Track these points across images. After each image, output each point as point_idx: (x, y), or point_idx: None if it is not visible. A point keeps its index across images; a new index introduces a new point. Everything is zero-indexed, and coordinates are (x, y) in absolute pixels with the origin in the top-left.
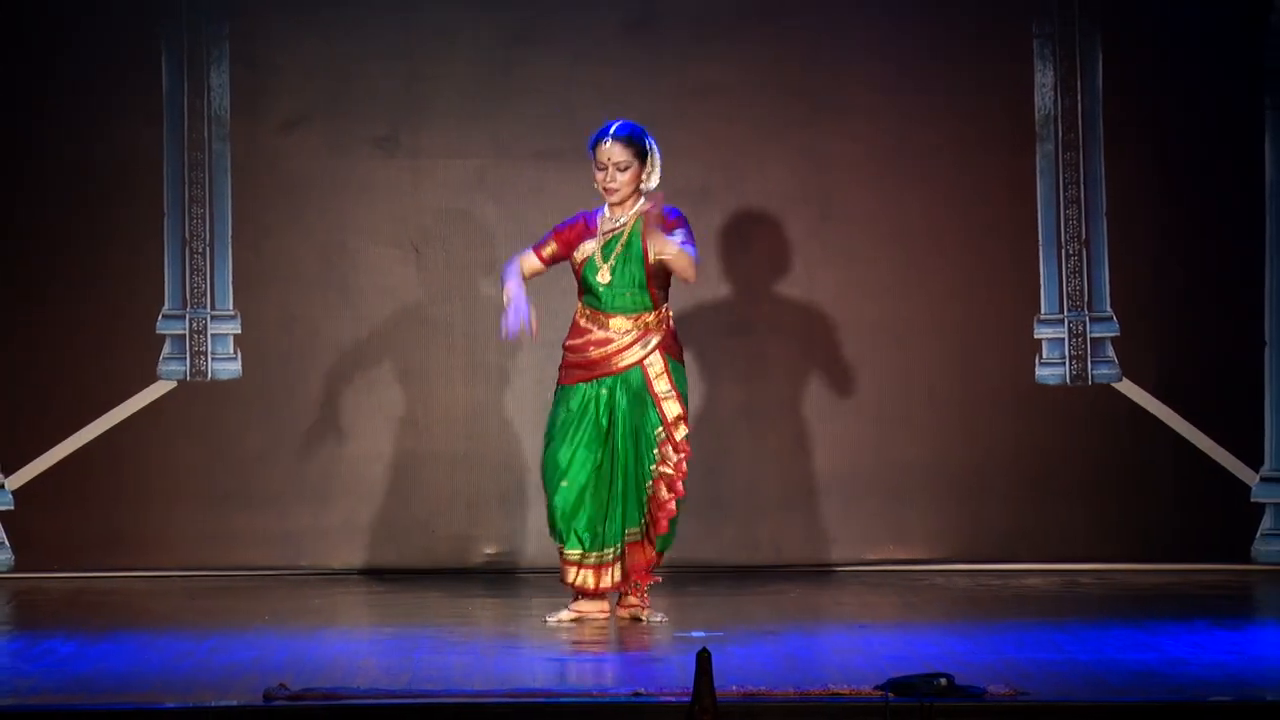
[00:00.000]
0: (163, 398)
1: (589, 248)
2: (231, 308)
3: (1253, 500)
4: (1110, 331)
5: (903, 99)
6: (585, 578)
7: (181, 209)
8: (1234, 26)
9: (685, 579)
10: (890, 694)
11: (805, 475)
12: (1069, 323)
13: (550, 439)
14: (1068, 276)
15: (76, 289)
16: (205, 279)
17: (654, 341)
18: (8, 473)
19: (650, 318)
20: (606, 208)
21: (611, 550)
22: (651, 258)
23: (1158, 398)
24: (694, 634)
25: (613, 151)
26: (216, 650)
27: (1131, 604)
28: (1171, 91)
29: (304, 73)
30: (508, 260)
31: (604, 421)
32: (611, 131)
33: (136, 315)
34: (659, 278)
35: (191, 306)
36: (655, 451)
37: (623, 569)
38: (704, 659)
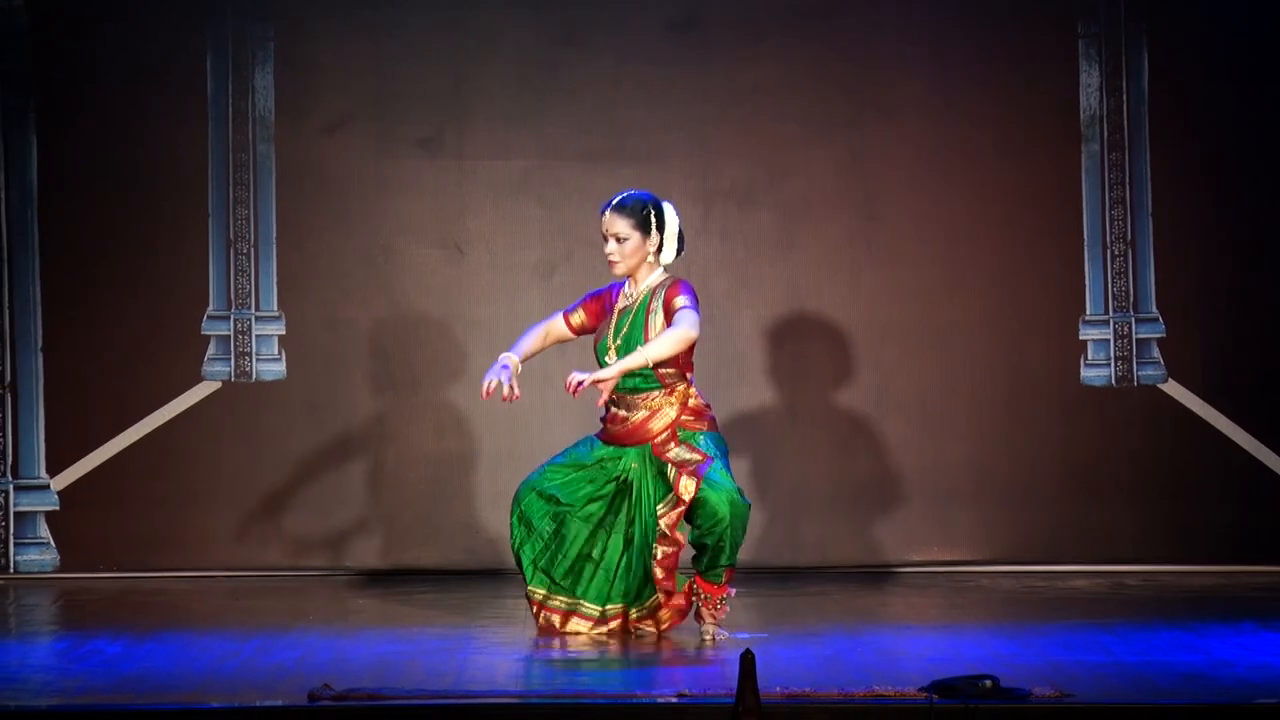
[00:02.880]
0: (207, 399)
1: (605, 325)
2: (276, 308)
3: None
4: (1156, 332)
5: (948, 99)
6: (552, 620)
7: (226, 210)
8: (1278, 25)
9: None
10: (935, 696)
11: (850, 476)
12: (1114, 324)
13: (546, 467)
14: (1113, 277)
15: (121, 290)
16: (250, 280)
17: (668, 418)
18: (53, 473)
19: (656, 397)
20: (629, 281)
21: (599, 610)
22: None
23: (1203, 399)
24: (738, 635)
25: (612, 223)
26: (261, 650)
27: (1178, 606)
28: (1217, 91)
29: (348, 74)
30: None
31: (608, 492)
32: (614, 202)
33: (181, 316)
34: (667, 360)
35: (236, 307)
36: (659, 523)
37: (619, 627)
38: (748, 660)
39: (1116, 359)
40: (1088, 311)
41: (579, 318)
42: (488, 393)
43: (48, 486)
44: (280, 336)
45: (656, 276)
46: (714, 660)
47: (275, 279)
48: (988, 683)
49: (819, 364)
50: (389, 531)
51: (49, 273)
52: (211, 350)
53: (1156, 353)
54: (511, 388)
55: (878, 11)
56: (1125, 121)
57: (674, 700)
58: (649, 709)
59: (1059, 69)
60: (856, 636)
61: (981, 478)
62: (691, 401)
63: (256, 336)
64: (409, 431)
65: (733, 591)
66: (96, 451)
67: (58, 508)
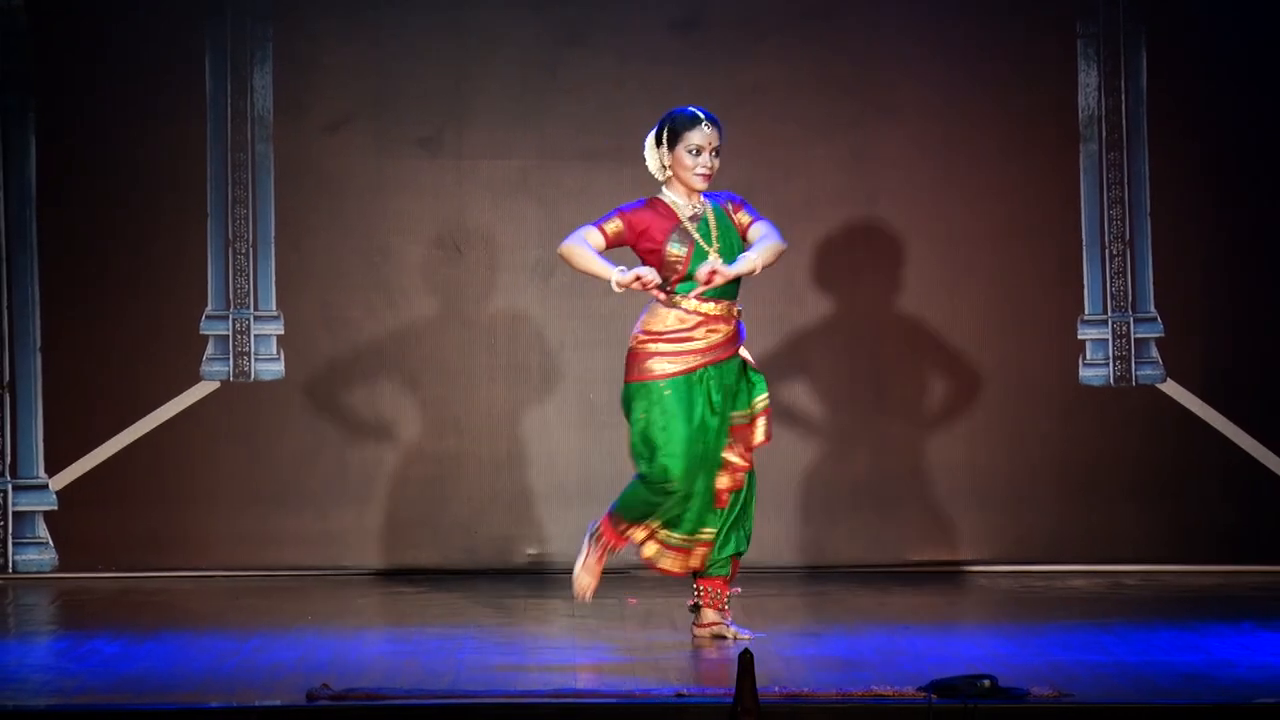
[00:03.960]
0: (206, 398)
1: (683, 236)
2: (274, 308)
3: None
4: (1154, 332)
5: (948, 99)
6: (671, 560)
7: (225, 209)
8: (1278, 25)
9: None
10: (933, 695)
11: (848, 476)
12: (1113, 323)
13: (661, 446)
14: (1112, 277)
15: (120, 290)
16: (248, 279)
17: (743, 330)
18: (52, 473)
19: (737, 307)
20: (672, 194)
21: (688, 538)
22: (755, 266)
23: (1202, 399)
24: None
25: (713, 136)
26: (260, 650)
27: (1177, 605)
28: (1215, 91)
29: (348, 73)
30: (570, 241)
31: (709, 415)
32: (705, 115)
33: (180, 316)
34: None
35: (234, 307)
36: (731, 438)
37: (700, 560)
38: (746, 660)
39: (1115, 359)
40: (1086, 311)
41: (615, 226)
42: (643, 284)
43: (46, 486)
44: (279, 336)
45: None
46: (712, 660)
47: (274, 278)
48: (986, 682)
49: (818, 363)
50: (388, 531)
51: (47, 272)
52: (210, 350)
53: (1155, 353)
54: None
55: (878, 11)
56: (1124, 121)
57: (672, 700)
58: (648, 708)
59: (1058, 69)
60: (855, 636)
61: (980, 477)
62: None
63: (255, 336)
64: (408, 431)
65: (738, 589)
66: (95, 451)
67: (56, 507)
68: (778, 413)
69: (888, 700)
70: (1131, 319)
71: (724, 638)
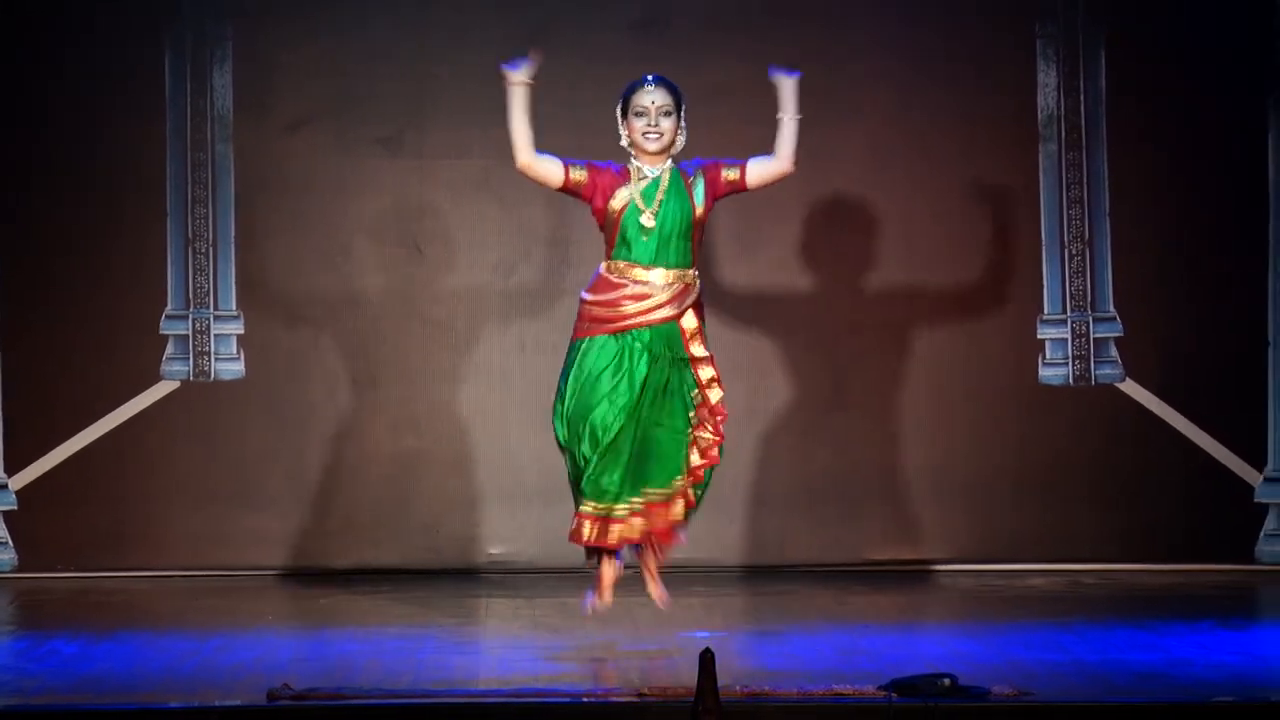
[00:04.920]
0: (166, 398)
1: (625, 194)
2: (235, 308)
3: (1256, 501)
4: (1113, 332)
5: (907, 99)
6: (598, 531)
7: (185, 209)
8: (1238, 26)
9: (689, 579)
10: (894, 694)
11: (810, 475)
12: (1072, 323)
13: (576, 395)
14: (1071, 276)
15: (79, 289)
16: (208, 279)
17: (690, 299)
18: (11, 473)
19: (689, 274)
20: (639, 161)
21: (626, 507)
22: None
23: (1161, 398)
24: (697, 634)
25: (656, 94)
26: (220, 650)
27: (1135, 604)
28: (1174, 91)
29: (308, 72)
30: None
31: (636, 375)
32: (655, 78)
33: (139, 315)
34: (700, 230)
35: (194, 306)
36: (691, 414)
37: (642, 528)
38: (707, 659)
39: (1074, 358)
40: (1045, 311)
41: (579, 174)
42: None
43: (6, 486)
44: (239, 336)
45: (667, 162)
46: (673, 659)
47: (234, 278)
48: (946, 681)
49: (778, 362)
50: (349, 531)
51: (6, 272)
52: (170, 349)
53: (1114, 352)
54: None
55: (838, 11)
56: (1083, 121)
57: (634, 699)
58: (609, 708)
59: (1017, 69)
60: (816, 635)
61: (940, 476)
62: (699, 284)
63: (215, 336)
64: (368, 431)
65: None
66: (55, 451)
67: (16, 507)
68: (739, 412)
69: (848, 699)
70: (1090, 319)
71: (645, 583)
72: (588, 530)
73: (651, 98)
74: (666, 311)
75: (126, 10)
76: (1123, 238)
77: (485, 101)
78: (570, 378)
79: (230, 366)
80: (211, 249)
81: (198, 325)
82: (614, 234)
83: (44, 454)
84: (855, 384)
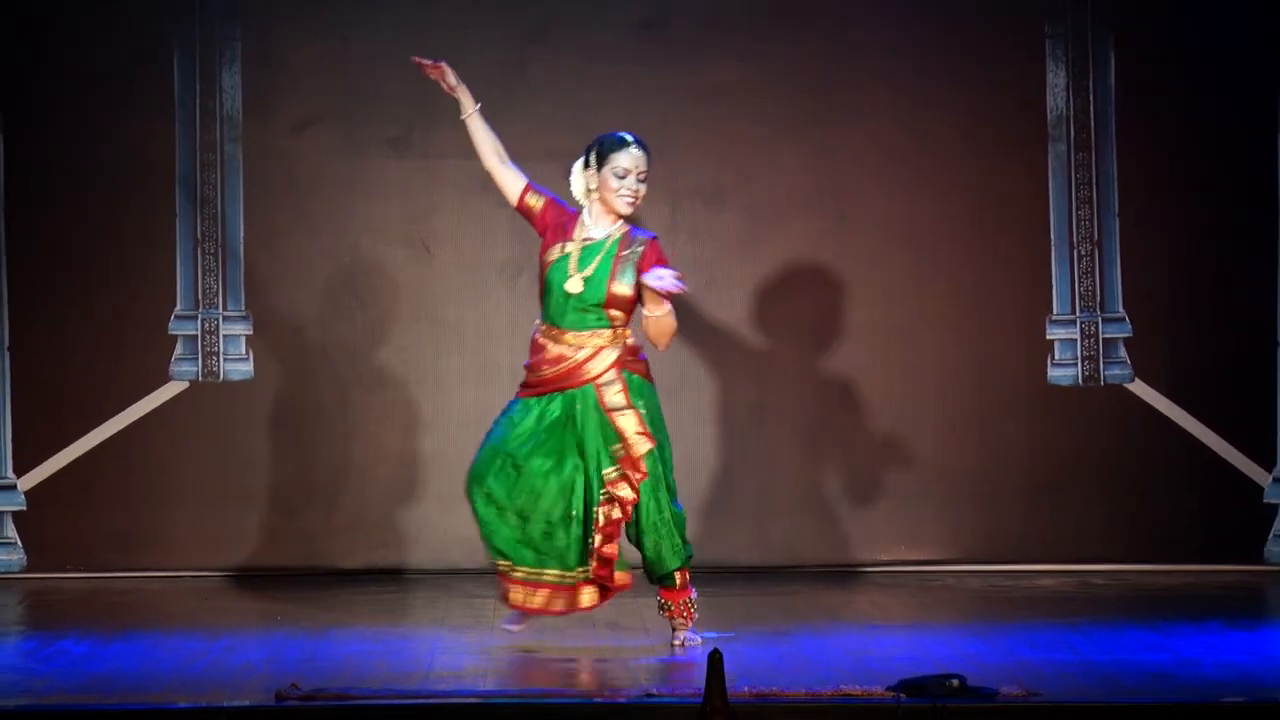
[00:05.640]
0: (175, 398)
1: (558, 249)
2: (243, 308)
3: (1265, 501)
4: (1122, 332)
5: (916, 99)
6: (529, 597)
7: (193, 210)
8: (1246, 26)
9: (697, 580)
10: (902, 695)
11: (818, 476)
12: (1081, 323)
13: (491, 440)
14: (1080, 277)
15: (89, 290)
16: (217, 280)
17: (610, 358)
18: (20, 473)
19: (605, 335)
20: (590, 216)
21: (559, 575)
22: (646, 308)
23: (1170, 398)
24: (706, 635)
25: (639, 158)
26: (229, 650)
27: (1144, 605)
28: (1184, 91)
29: (316, 73)
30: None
31: (554, 439)
32: (634, 140)
33: (148, 316)
34: (624, 302)
35: (203, 307)
36: (608, 470)
37: (550, 599)
38: (716, 660)
39: (1083, 359)
40: (1054, 311)
41: (535, 200)
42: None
43: (15, 486)
44: (248, 336)
45: (619, 224)
46: (681, 660)
47: (243, 279)
48: (955, 682)
49: (786, 364)
50: (357, 531)
51: (16, 273)
52: (179, 350)
53: (1123, 352)
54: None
55: (845, 11)
56: (1092, 121)
57: (642, 700)
58: (617, 708)
59: (1026, 69)
60: (824, 636)
61: (948, 477)
62: (629, 341)
63: (224, 336)
64: (377, 431)
65: (694, 593)
66: (64, 451)
67: (25, 508)
68: (747, 411)
69: (856, 700)
70: (1099, 319)
71: (680, 644)
72: (521, 596)
73: (635, 161)
74: (582, 375)
75: (135, 11)
76: (1132, 238)
77: (492, 101)
78: (491, 434)
79: (239, 367)
80: (220, 250)
81: (206, 326)
82: (541, 286)
83: (53, 454)
84: (863, 385)
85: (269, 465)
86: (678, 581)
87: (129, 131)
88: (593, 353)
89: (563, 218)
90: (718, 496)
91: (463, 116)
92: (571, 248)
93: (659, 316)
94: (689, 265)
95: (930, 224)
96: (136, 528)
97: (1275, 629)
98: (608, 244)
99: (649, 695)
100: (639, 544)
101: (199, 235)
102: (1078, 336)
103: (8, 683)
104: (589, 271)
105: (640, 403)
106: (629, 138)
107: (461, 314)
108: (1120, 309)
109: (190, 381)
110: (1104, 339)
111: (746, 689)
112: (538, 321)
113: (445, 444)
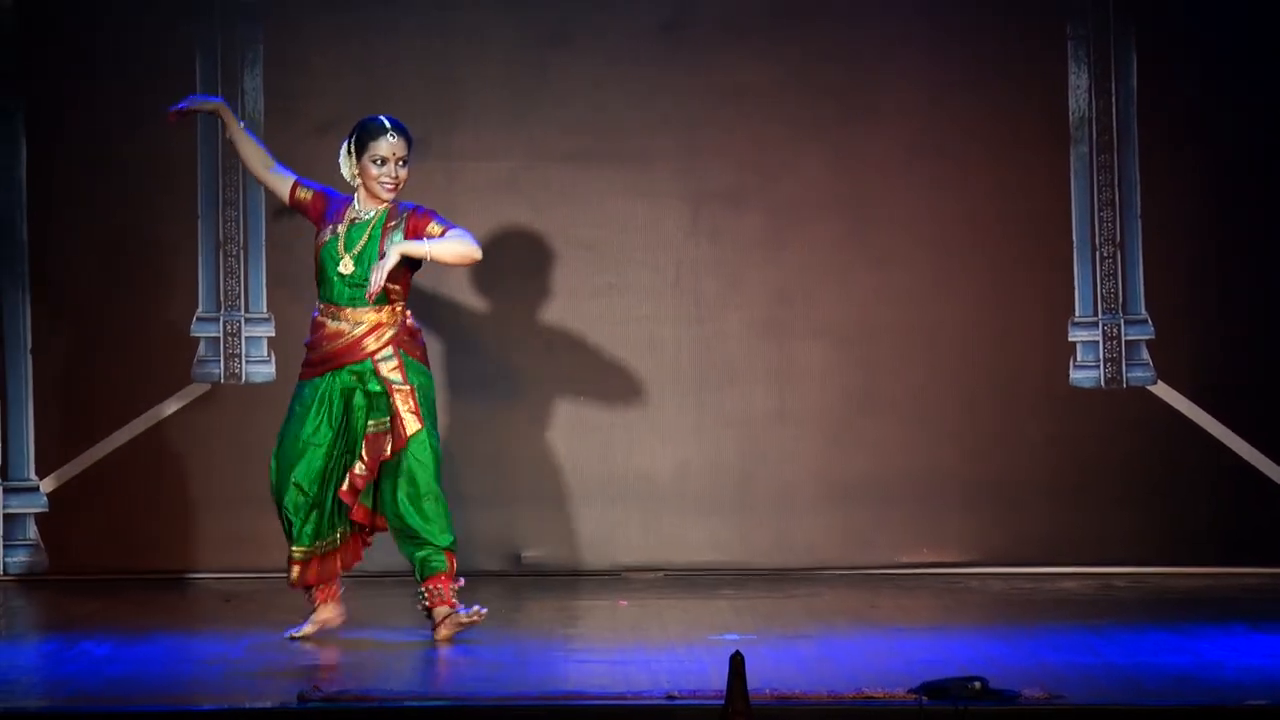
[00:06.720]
0: (197, 400)
1: (329, 232)
2: (265, 310)
3: None
4: (1145, 334)
5: (938, 100)
6: (308, 573)
7: (215, 211)
8: (1269, 26)
9: (719, 581)
10: (924, 698)
11: (839, 478)
12: (1103, 325)
13: (282, 436)
14: (1102, 279)
15: (111, 292)
16: (239, 282)
17: (388, 335)
18: (43, 475)
19: (384, 311)
20: (359, 200)
21: (325, 543)
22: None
23: (1193, 400)
24: (727, 636)
25: (398, 146)
26: (251, 652)
27: (1167, 607)
28: (1206, 93)
29: (337, 75)
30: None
31: (335, 415)
32: (391, 125)
33: (170, 318)
34: (397, 277)
35: (225, 309)
36: (362, 445)
37: (333, 564)
38: (737, 661)
39: (1105, 361)
40: (1077, 313)
41: (305, 193)
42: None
43: (37, 488)
44: (270, 338)
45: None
46: (703, 661)
47: (265, 280)
48: (977, 684)
49: (808, 365)
50: (379, 534)
51: (37, 274)
52: (201, 352)
53: (1145, 354)
54: (193, 112)
55: (865, 12)
56: (1114, 123)
57: (663, 702)
58: (638, 710)
59: (1047, 70)
60: (846, 638)
61: (970, 479)
62: (408, 321)
63: (246, 338)
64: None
65: (462, 581)
66: (86, 453)
67: (47, 510)
68: (768, 413)
69: (879, 702)
70: (1122, 321)
71: (463, 624)
72: (297, 573)
73: (392, 148)
74: (360, 350)
75: (158, 14)
76: (1154, 240)
77: (513, 103)
78: (285, 421)
79: (261, 369)
80: (242, 251)
81: (229, 328)
82: (316, 270)
83: (75, 456)
84: (885, 386)
85: None
86: (447, 562)
87: (151, 133)
88: (369, 329)
89: (335, 205)
90: (739, 498)
91: (227, 135)
92: (340, 229)
93: (436, 258)
94: (711, 266)
95: (952, 226)
96: (158, 529)
97: None
98: (373, 221)
99: (671, 696)
100: (406, 519)
101: (221, 237)
102: (1100, 339)
103: (29, 684)
104: (357, 250)
105: (416, 383)
106: (387, 123)
107: (480, 316)
108: (1143, 311)
109: (212, 383)
110: (1126, 341)
111: (768, 691)
112: (317, 302)
113: (467, 446)
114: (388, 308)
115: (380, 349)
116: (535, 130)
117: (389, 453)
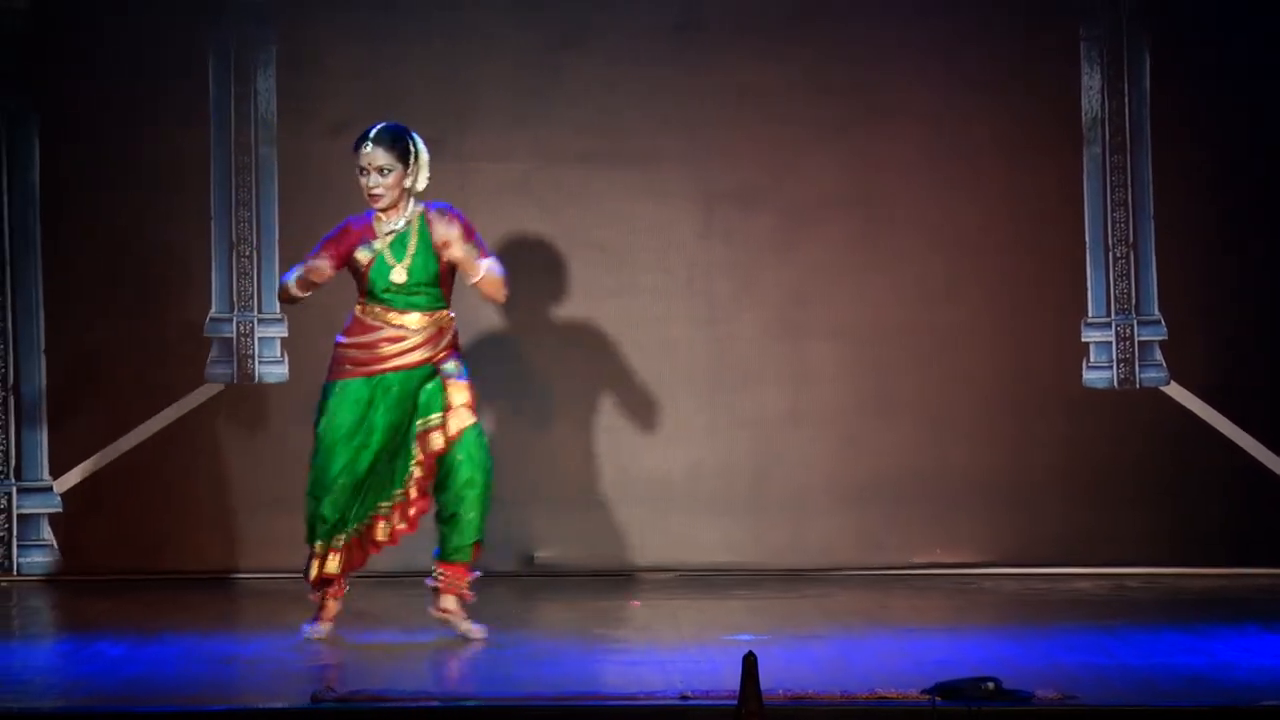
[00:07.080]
0: (210, 401)
1: (368, 252)
2: (278, 311)
3: None
4: (1158, 335)
5: (950, 100)
6: (327, 565)
7: (229, 212)
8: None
9: (732, 582)
10: (938, 698)
11: (853, 479)
12: (1116, 326)
13: (322, 443)
14: (1115, 279)
15: (124, 292)
16: (252, 282)
17: (445, 341)
18: (56, 476)
19: (444, 316)
20: (377, 214)
21: (343, 536)
22: (465, 274)
23: (1206, 401)
24: (740, 637)
25: (374, 156)
26: (264, 652)
27: (1180, 608)
28: (1218, 93)
29: (350, 76)
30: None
31: (379, 418)
32: (372, 135)
33: (184, 318)
34: (452, 278)
35: (239, 310)
36: (415, 446)
37: (349, 556)
38: (750, 662)
39: (1118, 361)
40: (1089, 314)
41: (332, 250)
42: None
43: (50, 489)
44: (283, 339)
45: (414, 206)
46: (716, 661)
47: (278, 281)
48: (991, 685)
49: (822, 366)
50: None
51: (51, 275)
52: (214, 352)
53: (1159, 355)
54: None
55: (878, 13)
56: (1127, 124)
57: (677, 702)
58: (652, 710)
59: (1061, 71)
60: (859, 639)
61: (984, 480)
62: (455, 325)
63: (259, 339)
64: None
65: (478, 574)
66: (99, 454)
67: (61, 510)
68: (782, 414)
69: (892, 703)
70: (1135, 321)
71: (454, 628)
72: (316, 569)
73: (369, 159)
74: (419, 355)
75: (171, 15)
76: (1167, 240)
77: (525, 105)
78: (320, 425)
79: (274, 370)
80: (255, 252)
81: (242, 328)
82: (363, 284)
83: (88, 457)
84: (898, 387)
85: (304, 468)
86: (473, 554)
87: (164, 135)
88: (434, 333)
89: (351, 234)
90: (753, 499)
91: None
92: (380, 245)
93: (482, 278)
94: (723, 267)
95: (965, 226)
96: (172, 530)
97: None
98: (413, 229)
99: (684, 697)
100: (453, 493)
101: (234, 238)
102: (1113, 339)
103: (44, 685)
104: (408, 260)
105: (469, 380)
106: (367, 133)
107: (494, 317)
108: (1156, 311)
109: (226, 384)
110: (1139, 342)
111: (781, 691)
112: (360, 305)
113: None
114: (446, 312)
115: (440, 350)
116: (547, 132)
117: (443, 445)
